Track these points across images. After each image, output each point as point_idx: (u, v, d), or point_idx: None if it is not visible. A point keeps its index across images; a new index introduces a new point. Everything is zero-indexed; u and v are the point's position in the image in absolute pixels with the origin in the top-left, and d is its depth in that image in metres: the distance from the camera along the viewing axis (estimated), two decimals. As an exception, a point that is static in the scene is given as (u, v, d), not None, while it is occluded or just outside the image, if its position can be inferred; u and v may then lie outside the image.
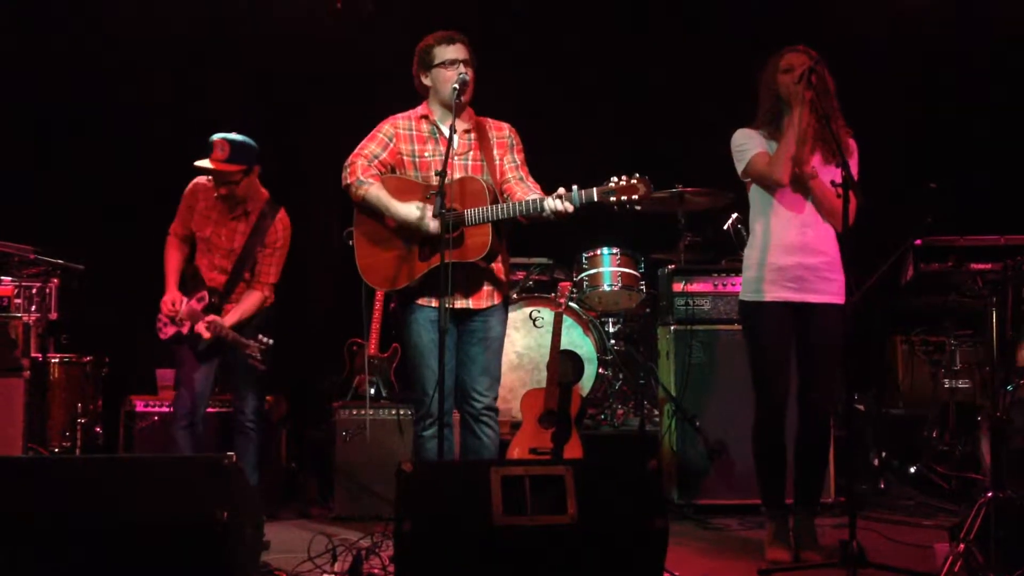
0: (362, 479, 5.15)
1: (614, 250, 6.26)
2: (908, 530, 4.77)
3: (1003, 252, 4.75)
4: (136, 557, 3.20)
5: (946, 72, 6.85)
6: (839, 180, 3.93)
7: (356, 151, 4.25)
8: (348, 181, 4.20)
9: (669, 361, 5.41)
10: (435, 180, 4.02)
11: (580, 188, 3.91)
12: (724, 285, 5.40)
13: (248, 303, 4.75)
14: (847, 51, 5.28)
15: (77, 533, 3.19)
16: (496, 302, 4.23)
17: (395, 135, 4.26)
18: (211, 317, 4.65)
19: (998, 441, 4.33)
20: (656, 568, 3.28)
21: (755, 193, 4.35)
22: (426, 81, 4.26)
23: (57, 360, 5.61)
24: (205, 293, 4.72)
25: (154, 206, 5.11)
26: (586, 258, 6.32)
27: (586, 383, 6.10)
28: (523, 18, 7.05)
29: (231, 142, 4.61)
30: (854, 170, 4.13)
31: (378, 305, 5.80)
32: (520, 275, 6.53)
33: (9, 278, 5.49)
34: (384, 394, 5.75)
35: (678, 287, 5.43)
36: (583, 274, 6.29)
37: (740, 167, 4.32)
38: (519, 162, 4.30)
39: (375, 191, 4.15)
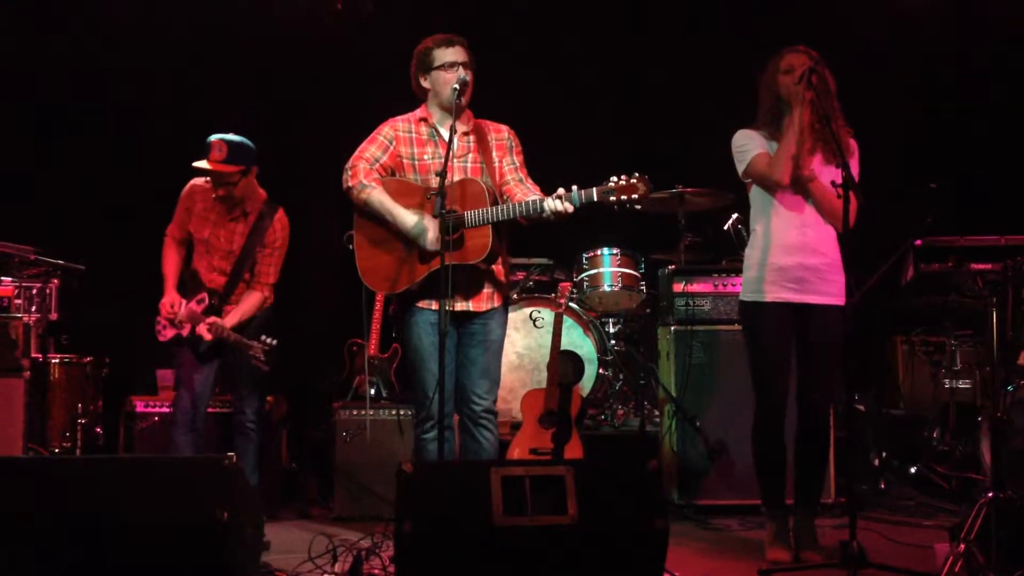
0: (362, 479, 5.15)
1: (614, 250, 6.26)
2: (908, 530, 4.77)
3: (1003, 252, 4.76)
4: (136, 557, 3.20)
5: (946, 72, 6.85)
6: (840, 180, 3.93)
7: (357, 154, 4.24)
8: (350, 184, 4.20)
9: (669, 361, 5.41)
10: (434, 182, 4.02)
11: (580, 188, 3.91)
12: (724, 285, 5.40)
13: (248, 304, 4.75)
14: (847, 51, 5.27)
15: (77, 533, 3.19)
16: (496, 304, 4.23)
17: (395, 138, 4.25)
18: (212, 319, 4.64)
19: (998, 441, 4.33)
20: (656, 568, 3.28)
21: (756, 193, 4.35)
22: (425, 84, 4.25)
23: (57, 360, 5.60)
24: (205, 295, 4.71)
25: (154, 206, 5.11)
26: (586, 258, 6.32)
27: (586, 383, 6.11)
28: (523, 18, 7.04)
29: (229, 143, 4.61)
30: (855, 170, 4.13)
31: (378, 306, 5.80)
32: (520, 275, 6.53)
33: (9, 278, 5.48)
34: (384, 394, 5.75)
35: (678, 287, 5.43)
36: (583, 274, 6.29)
37: (741, 168, 4.32)
38: (518, 164, 4.29)
39: (378, 195, 4.14)
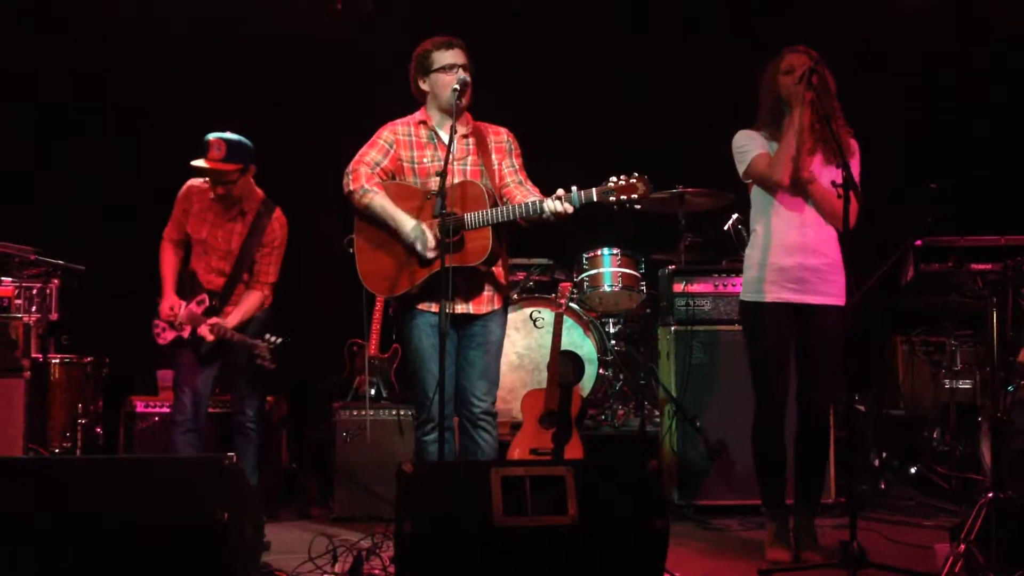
0: (362, 480, 5.15)
1: (614, 251, 6.26)
2: (909, 530, 4.77)
3: (1003, 252, 4.75)
4: (136, 557, 3.19)
5: (946, 72, 6.85)
6: (840, 180, 3.93)
7: (357, 158, 4.23)
8: (351, 188, 4.19)
9: (669, 362, 5.41)
10: (434, 185, 4.02)
11: (579, 189, 3.90)
12: (724, 286, 5.40)
13: (248, 304, 4.74)
14: (847, 51, 5.28)
15: (77, 533, 3.19)
16: (496, 306, 4.23)
17: (395, 141, 4.25)
18: (214, 320, 4.64)
19: (999, 441, 4.33)
20: (656, 568, 3.28)
21: (756, 194, 4.35)
22: (424, 86, 4.25)
23: (57, 361, 5.60)
24: (205, 296, 4.71)
25: (154, 206, 5.11)
26: (586, 259, 6.33)
27: (587, 384, 6.11)
28: (523, 18, 7.05)
29: (227, 141, 4.61)
30: (855, 170, 4.13)
31: (379, 306, 5.80)
32: (520, 276, 6.53)
33: (9, 279, 5.48)
34: (384, 395, 5.75)
35: (678, 287, 5.42)
36: (583, 275, 6.29)
37: (741, 168, 4.32)
38: (518, 166, 4.29)
39: (380, 200, 4.14)
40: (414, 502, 3.21)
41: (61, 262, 5.42)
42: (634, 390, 6.25)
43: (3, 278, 5.47)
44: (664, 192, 5.79)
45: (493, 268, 4.19)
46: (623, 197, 3.86)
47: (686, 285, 5.42)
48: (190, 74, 6.64)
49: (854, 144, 4.27)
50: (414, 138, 4.25)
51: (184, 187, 4.82)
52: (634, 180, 3.86)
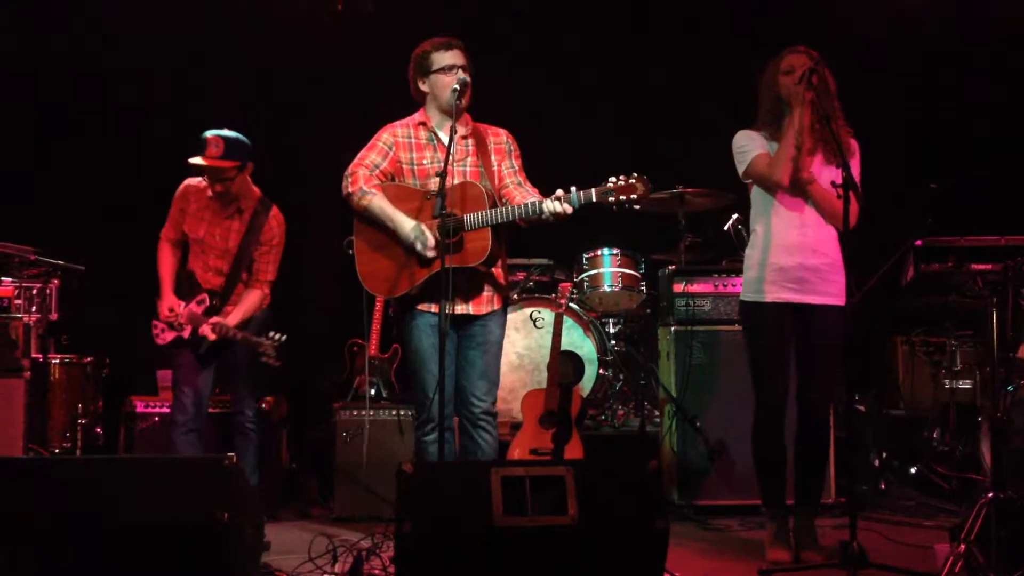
0: (362, 480, 5.14)
1: (614, 251, 6.26)
2: (909, 531, 4.77)
3: (1003, 252, 4.75)
4: (136, 558, 3.19)
5: (946, 72, 6.85)
6: (840, 181, 3.93)
7: (356, 160, 4.23)
8: (350, 190, 4.19)
9: (669, 362, 5.41)
10: (433, 186, 4.02)
11: (579, 189, 3.91)
12: (725, 286, 5.40)
13: (249, 302, 4.74)
14: (847, 51, 5.28)
15: (77, 533, 3.19)
16: (496, 307, 4.23)
17: (394, 143, 4.25)
18: (215, 319, 4.63)
19: (999, 442, 4.33)
20: (656, 569, 3.28)
21: (756, 194, 4.35)
22: (423, 87, 4.25)
23: (57, 361, 5.60)
24: (205, 296, 4.70)
25: (154, 206, 5.10)
26: (586, 259, 6.33)
27: (587, 384, 6.11)
28: (523, 18, 7.05)
29: (225, 139, 4.61)
30: (855, 170, 4.13)
31: (379, 306, 5.80)
32: (520, 276, 6.53)
33: (9, 279, 5.48)
34: (384, 395, 5.75)
35: (679, 288, 5.42)
36: (583, 275, 6.29)
37: (741, 168, 4.32)
38: (517, 168, 4.29)
39: (378, 202, 4.14)
40: (414, 502, 3.21)
41: (61, 262, 5.42)
42: (634, 390, 6.25)
43: (3, 278, 5.47)
44: (664, 192, 5.79)
45: (492, 269, 4.19)
46: (622, 197, 3.87)
47: (686, 285, 5.42)
48: (190, 74, 6.64)
49: (854, 144, 4.27)
50: (413, 140, 4.25)
51: (181, 186, 4.82)
52: (633, 180, 3.87)
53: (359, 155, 4.24)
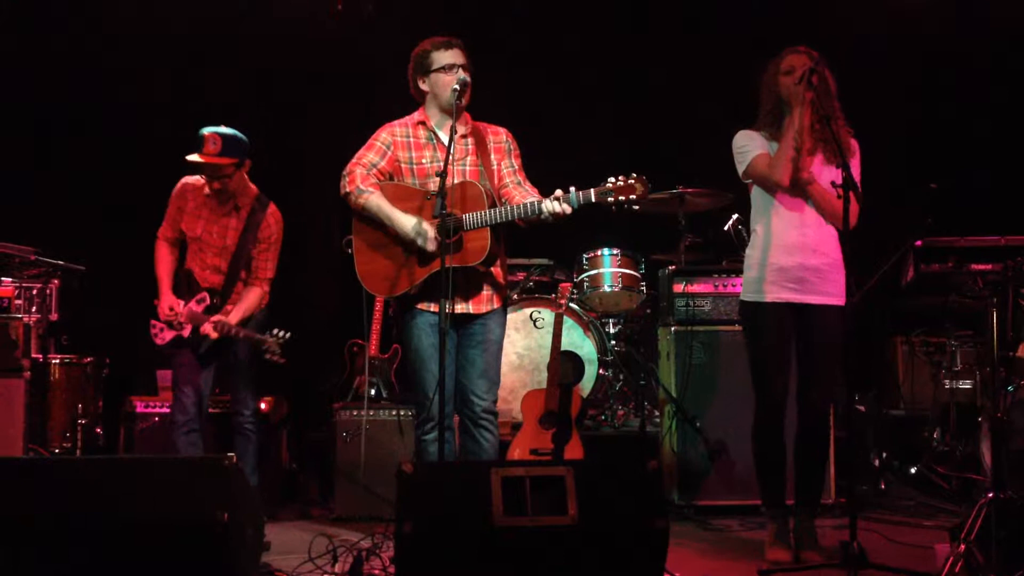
0: (362, 480, 5.14)
1: (615, 251, 6.26)
2: (909, 531, 4.76)
3: (1003, 252, 4.76)
4: (136, 558, 3.20)
5: (946, 72, 6.85)
6: (840, 181, 3.93)
7: (354, 160, 4.23)
8: (347, 190, 4.19)
9: (670, 362, 5.40)
10: (432, 186, 4.02)
11: (578, 189, 3.90)
12: (725, 286, 5.40)
13: (249, 300, 4.73)
14: (847, 51, 5.28)
15: (77, 533, 3.19)
16: (496, 306, 4.23)
17: (393, 143, 4.25)
18: (217, 317, 4.63)
19: (999, 442, 4.33)
20: (657, 569, 3.28)
21: (756, 194, 4.35)
22: (423, 86, 4.24)
23: (57, 361, 5.61)
24: (205, 294, 4.70)
25: (154, 206, 5.10)
26: (586, 259, 6.33)
27: (586, 384, 6.11)
28: (523, 18, 7.05)
29: (223, 136, 4.60)
30: (855, 170, 4.13)
31: (379, 306, 5.80)
32: (520, 276, 6.53)
33: (10, 279, 5.48)
34: (384, 395, 5.75)
35: (679, 288, 5.42)
36: (584, 275, 6.29)
37: (741, 168, 4.32)
38: (516, 167, 4.29)
39: (375, 200, 4.14)
40: (414, 502, 3.21)
41: (61, 262, 5.42)
42: (634, 390, 6.25)
43: (3, 278, 5.47)
44: (664, 192, 5.79)
45: (492, 268, 4.19)
46: (621, 198, 3.87)
47: (686, 285, 5.42)
48: (189, 74, 6.64)
49: (854, 144, 4.27)
50: (412, 139, 4.25)
51: (178, 185, 4.81)
52: (632, 180, 3.87)
53: (357, 154, 4.24)
